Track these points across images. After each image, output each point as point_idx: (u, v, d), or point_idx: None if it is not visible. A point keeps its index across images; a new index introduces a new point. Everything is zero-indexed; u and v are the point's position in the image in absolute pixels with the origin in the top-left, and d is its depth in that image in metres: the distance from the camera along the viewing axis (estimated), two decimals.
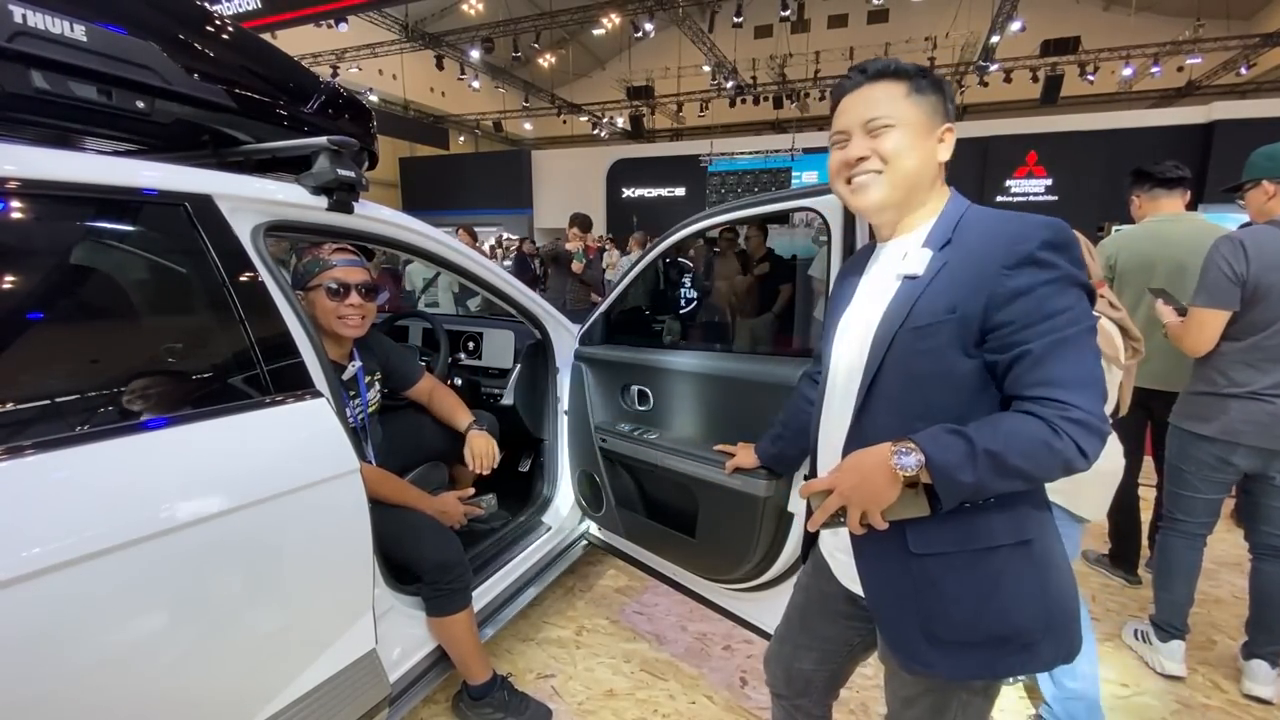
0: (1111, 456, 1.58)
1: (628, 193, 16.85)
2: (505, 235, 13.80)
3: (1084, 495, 1.56)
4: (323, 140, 1.40)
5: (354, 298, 1.60)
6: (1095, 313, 1.52)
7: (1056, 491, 1.55)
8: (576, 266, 5.09)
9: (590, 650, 2.13)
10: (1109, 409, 1.61)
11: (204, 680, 1.08)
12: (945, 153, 0.96)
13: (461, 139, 20.38)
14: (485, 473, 1.85)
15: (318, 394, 1.27)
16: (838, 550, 1.09)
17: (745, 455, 1.55)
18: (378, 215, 1.57)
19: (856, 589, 1.04)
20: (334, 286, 1.58)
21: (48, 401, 0.95)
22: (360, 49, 14.14)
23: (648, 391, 1.98)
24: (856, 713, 1.82)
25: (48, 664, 0.87)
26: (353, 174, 1.46)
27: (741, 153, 15.24)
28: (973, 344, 0.87)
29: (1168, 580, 2.02)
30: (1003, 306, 0.83)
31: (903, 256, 0.96)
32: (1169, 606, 2.01)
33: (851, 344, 1.02)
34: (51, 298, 1.01)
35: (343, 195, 1.45)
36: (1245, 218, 1.99)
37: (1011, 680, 1.95)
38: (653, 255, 1.90)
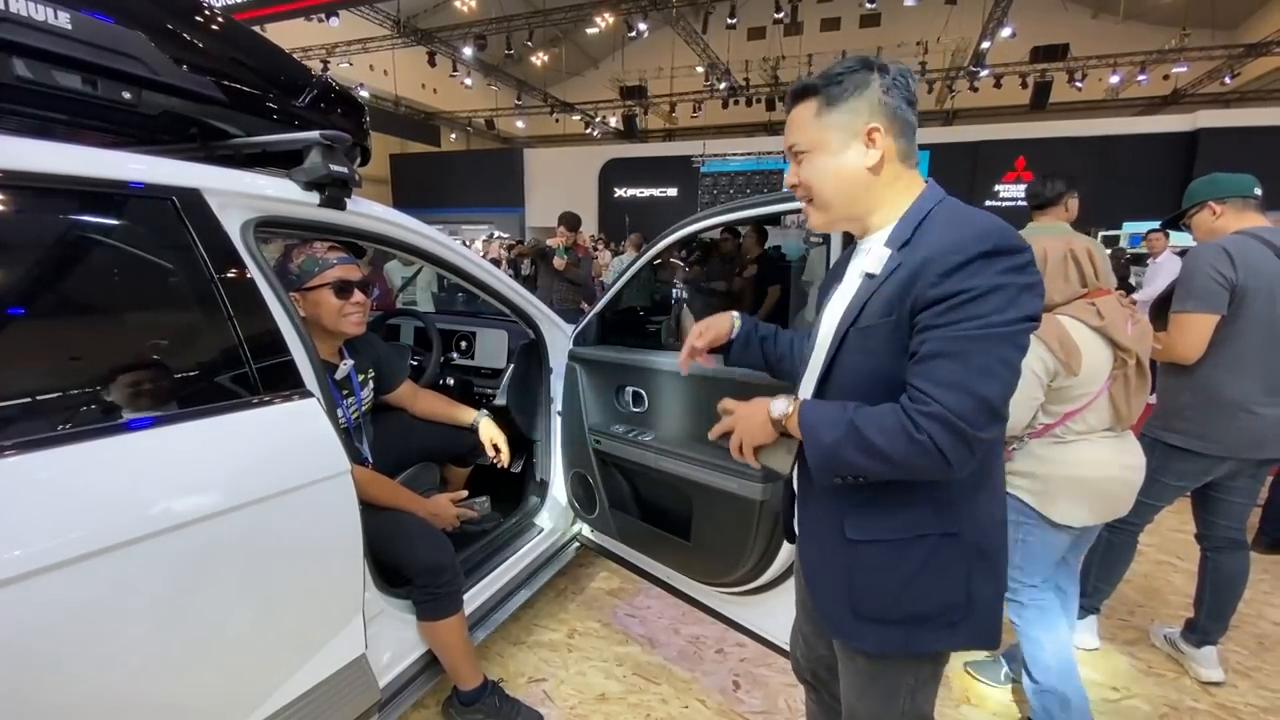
0: (1092, 465, 1.56)
1: (620, 193, 16.84)
2: (497, 234, 13.73)
3: (1053, 498, 1.56)
4: (315, 135, 1.37)
5: (358, 295, 1.58)
6: (1074, 318, 1.48)
7: (1026, 491, 1.58)
8: (558, 263, 5.10)
9: (582, 654, 2.11)
10: (1100, 420, 1.56)
11: (189, 687, 1.05)
12: (872, 156, 0.92)
13: (453, 136, 20.26)
14: (507, 463, 1.94)
15: (308, 394, 1.24)
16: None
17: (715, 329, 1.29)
18: (370, 212, 1.54)
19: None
20: (341, 285, 1.55)
21: (30, 400, 0.92)
22: (351, 44, 14.01)
23: (642, 393, 1.96)
24: None
25: (27, 669, 0.84)
26: (345, 169, 1.43)
27: (734, 154, 15.26)
28: (907, 345, 0.88)
29: (1110, 573, 2.14)
30: (921, 310, 0.84)
31: (866, 253, 0.96)
32: (1106, 594, 2.16)
33: (817, 337, 1.05)
34: (34, 293, 0.98)
35: (335, 191, 1.43)
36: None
37: (1004, 680, 1.95)
38: (649, 256, 1.88)
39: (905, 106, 0.93)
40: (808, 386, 1.06)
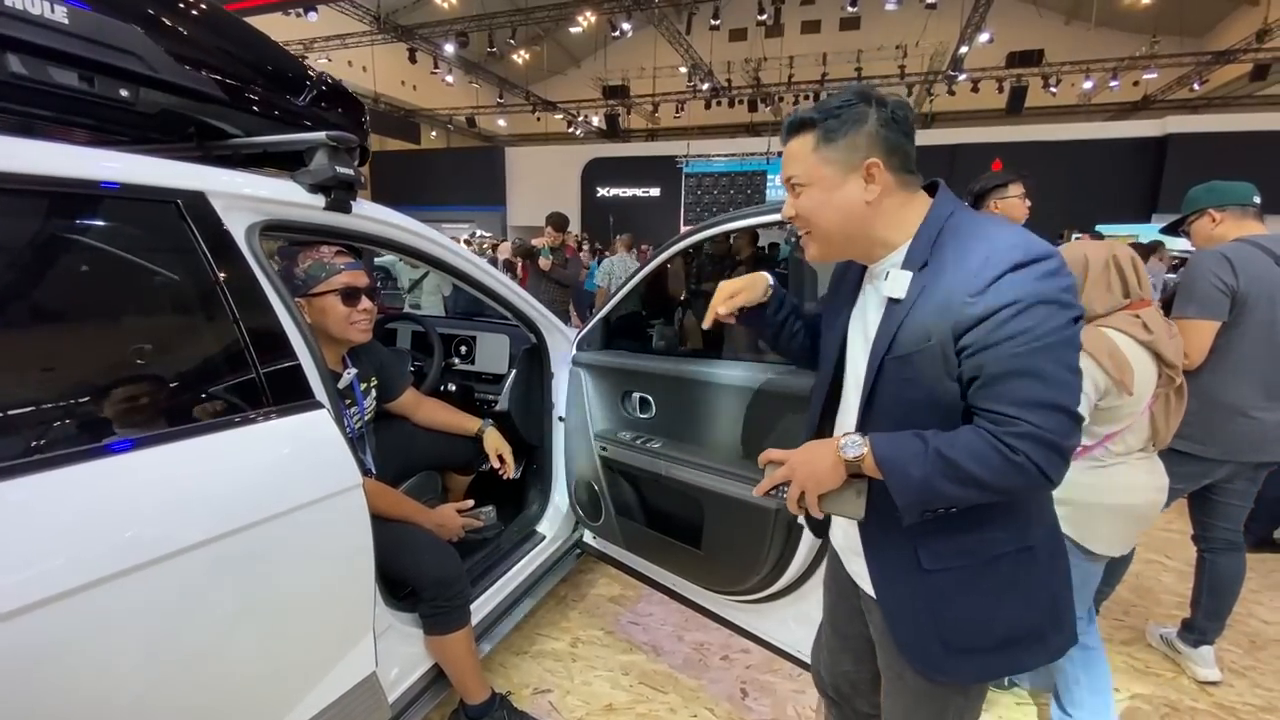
0: (1131, 490, 1.48)
1: (603, 192, 16.79)
2: (479, 233, 13.59)
3: (1094, 528, 1.46)
4: (321, 135, 1.33)
5: (365, 302, 1.53)
6: (1121, 332, 1.39)
7: (1063, 520, 1.46)
8: (543, 263, 5.10)
9: (586, 663, 2.08)
10: (1138, 440, 1.49)
11: (200, 715, 1.00)
12: (872, 191, 0.90)
13: (433, 134, 20.02)
14: (511, 474, 1.92)
15: (318, 405, 1.19)
16: (848, 551, 1.11)
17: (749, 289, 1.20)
18: (375, 215, 1.50)
19: (865, 586, 1.06)
20: (348, 292, 1.50)
21: (39, 417, 0.87)
22: (330, 39, 13.78)
23: (649, 399, 1.94)
24: None
25: (28, 700, 0.79)
26: (351, 171, 1.39)
27: (717, 155, 15.30)
28: (955, 368, 0.85)
29: (1110, 576, 2.12)
30: (966, 330, 0.82)
31: (885, 277, 0.93)
32: (1105, 595, 2.15)
33: (857, 363, 1.01)
34: (34, 303, 0.93)
35: (341, 194, 1.38)
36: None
37: (1007, 684, 1.96)
38: (660, 260, 1.85)
39: (904, 139, 0.91)
40: (845, 417, 1.03)
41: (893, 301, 0.91)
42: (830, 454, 0.90)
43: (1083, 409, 1.32)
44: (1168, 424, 1.48)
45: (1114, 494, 1.46)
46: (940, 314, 0.84)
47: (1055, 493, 1.42)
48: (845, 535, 1.10)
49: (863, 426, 0.96)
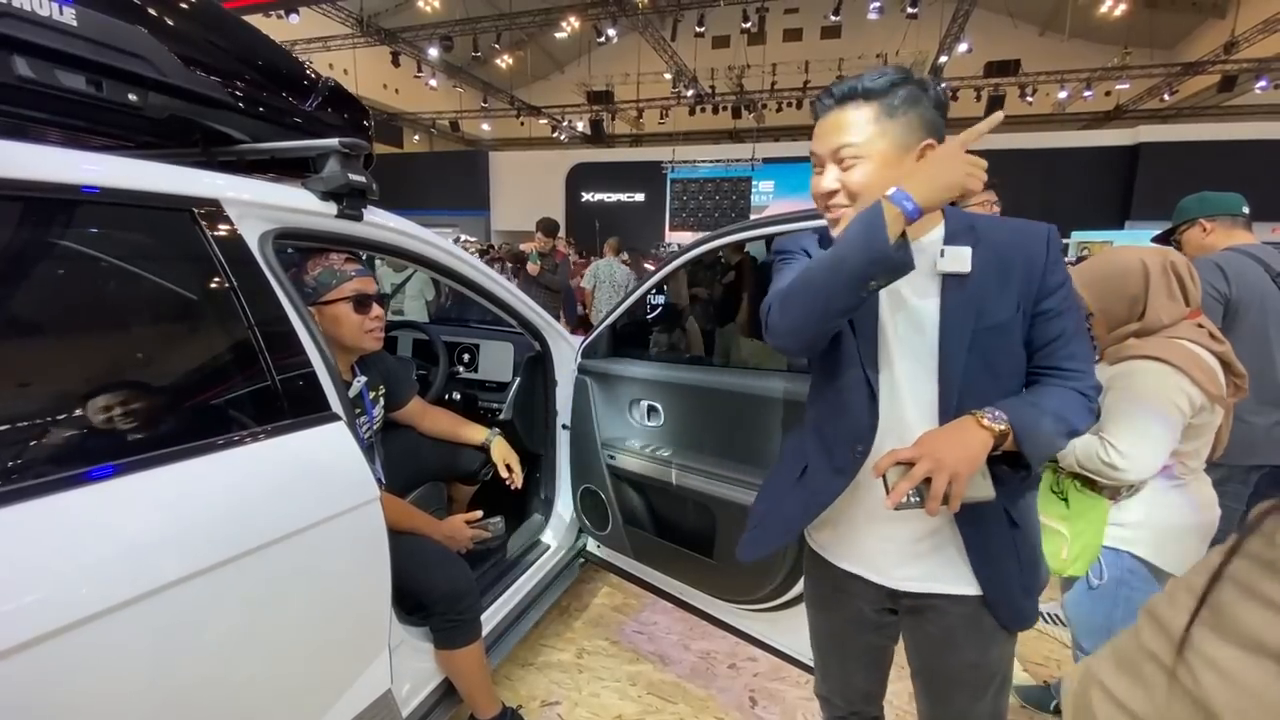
0: (1208, 506, 1.43)
1: (587, 197, 16.77)
2: (464, 237, 13.48)
3: (1178, 550, 1.40)
4: (333, 142, 1.31)
5: (376, 309, 1.50)
6: (1194, 344, 1.34)
7: (1144, 544, 1.40)
8: (531, 268, 5.10)
9: (593, 674, 2.06)
10: (1209, 454, 1.44)
11: None
12: None
13: (416, 138, 19.87)
14: (519, 483, 1.91)
15: (335, 416, 1.17)
16: (892, 556, 1.03)
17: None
18: (385, 223, 1.48)
19: (922, 586, 1.02)
20: (360, 299, 1.47)
21: (64, 432, 0.84)
22: (311, 42, 13.61)
23: (657, 406, 1.93)
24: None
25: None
26: (363, 178, 1.37)
27: (703, 161, 15.38)
28: (1026, 333, 0.95)
29: None
30: (1047, 296, 0.92)
31: (939, 255, 0.92)
32: None
33: (905, 348, 0.96)
34: (47, 313, 0.89)
35: (353, 201, 1.36)
36: None
37: (1054, 711, 1.88)
38: (673, 267, 1.85)
39: (943, 124, 0.92)
40: (921, 401, 0.95)
41: (957, 277, 0.91)
42: (977, 431, 0.83)
43: (1178, 430, 1.29)
44: (1227, 434, 1.45)
45: (1200, 511, 1.41)
46: (1026, 281, 0.91)
47: (1133, 515, 1.41)
48: (882, 543, 1.03)
49: (951, 410, 0.91)
